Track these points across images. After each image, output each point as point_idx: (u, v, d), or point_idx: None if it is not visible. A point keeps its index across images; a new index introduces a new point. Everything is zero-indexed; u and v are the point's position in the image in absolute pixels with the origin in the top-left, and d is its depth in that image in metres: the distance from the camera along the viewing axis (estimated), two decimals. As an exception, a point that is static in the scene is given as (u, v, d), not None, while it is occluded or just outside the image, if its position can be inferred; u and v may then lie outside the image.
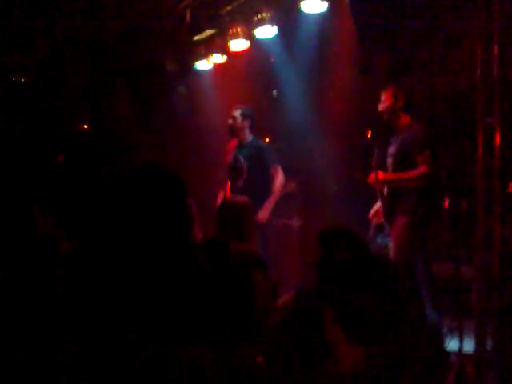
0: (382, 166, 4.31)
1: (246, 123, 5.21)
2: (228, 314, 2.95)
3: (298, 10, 4.76)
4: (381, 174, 4.20)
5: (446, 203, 5.12)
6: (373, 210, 4.48)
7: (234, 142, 5.31)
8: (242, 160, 5.19)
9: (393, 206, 4.21)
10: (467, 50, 4.03)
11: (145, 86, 7.52)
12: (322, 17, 4.97)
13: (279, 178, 5.04)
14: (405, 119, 4.24)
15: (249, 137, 5.24)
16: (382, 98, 4.28)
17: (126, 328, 1.76)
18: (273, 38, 5.40)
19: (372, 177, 4.25)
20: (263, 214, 4.92)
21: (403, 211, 4.13)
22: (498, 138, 3.43)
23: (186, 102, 7.17)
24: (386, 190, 4.30)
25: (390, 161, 4.29)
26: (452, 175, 4.64)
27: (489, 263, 3.65)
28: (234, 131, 5.24)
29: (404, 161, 4.15)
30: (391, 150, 4.28)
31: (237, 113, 5.22)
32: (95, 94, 8.08)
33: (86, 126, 8.82)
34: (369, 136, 6.70)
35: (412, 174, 4.08)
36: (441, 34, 4.39)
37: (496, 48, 3.48)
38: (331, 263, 2.52)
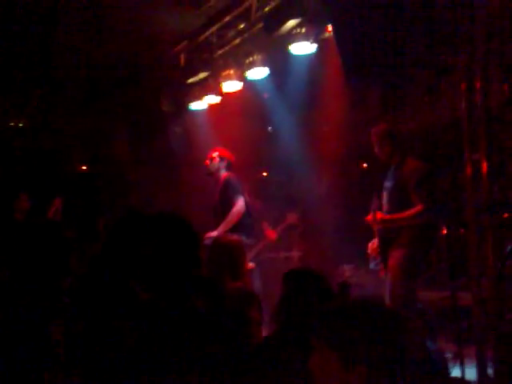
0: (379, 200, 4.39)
1: (223, 164, 5.46)
2: (224, 352, 3.01)
3: (288, 52, 4.91)
4: (379, 215, 4.25)
5: (444, 230, 5.22)
6: (370, 245, 4.54)
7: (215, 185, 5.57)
8: (218, 198, 5.39)
9: (390, 240, 4.29)
10: (453, 86, 4.17)
11: (142, 126, 7.69)
12: (313, 55, 5.12)
13: (234, 208, 5.20)
14: (404, 157, 4.31)
15: (222, 175, 5.44)
16: (375, 139, 4.35)
17: (127, 372, 1.84)
18: (265, 77, 5.57)
19: (370, 217, 4.33)
20: (211, 233, 5.07)
21: (400, 244, 4.22)
22: (484, 173, 3.54)
23: (182, 140, 7.32)
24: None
25: (385, 194, 4.36)
26: (447, 204, 4.73)
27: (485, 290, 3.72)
28: (210, 172, 5.47)
29: (400, 196, 4.23)
30: (387, 183, 4.36)
31: (214, 155, 5.44)
32: (94, 135, 8.25)
33: (84, 167, 8.97)
34: (365, 166, 6.86)
35: (409, 213, 4.14)
36: (428, 69, 4.52)
37: (479, 84, 3.60)
38: (293, 306, 2.50)
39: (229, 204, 5.26)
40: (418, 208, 4.10)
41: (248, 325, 3.14)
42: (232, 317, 3.08)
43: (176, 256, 2.04)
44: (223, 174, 5.48)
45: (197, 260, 2.12)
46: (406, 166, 4.26)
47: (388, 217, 4.26)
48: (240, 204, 5.23)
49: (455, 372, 4.05)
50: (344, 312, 1.51)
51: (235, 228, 5.11)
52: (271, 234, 6.39)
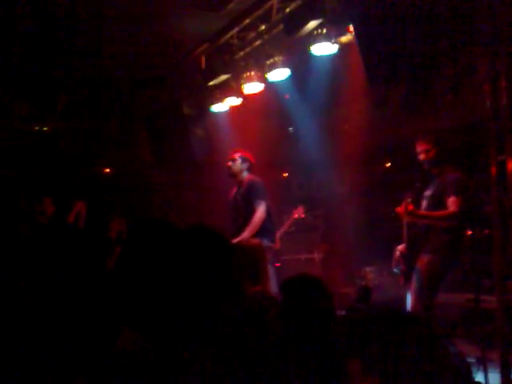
0: (417, 205, 4.38)
1: (244, 166, 5.44)
2: (245, 359, 3.00)
3: (309, 53, 4.89)
4: (411, 206, 4.26)
5: (469, 231, 5.16)
6: (400, 247, 4.52)
7: (235, 187, 5.55)
8: (239, 199, 5.38)
9: (418, 246, 4.29)
10: (477, 86, 4.11)
11: (164, 129, 7.74)
12: (334, 55, 5.09)
13: (257, 214, 5.18)
14: (446, 166, 4.35)
15: (245, 177, 5.43)
16: (422, 147, 4.38)
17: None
18: (286, 78, 5.56)
19: (401, 208, 4.32)
20: (235, 239, 5.06)
21: (429, 250, 4.22)
22: (510, 174, 3.48)
23: (204, 143, 7.34)
24: (412, 230, 4.38)
25: (424, 203, 4.40)
26: (473, 205, 4.68)
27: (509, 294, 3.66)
28: (232, 173, 5.47)
29: (438, 204, 4.26)
30: (427, 192, 4.39)
31: (236, 156, 5.45)
32: (117, 139, 8.33)
33: (107, 170, 9.06)
34: (387, 165, 6.80)
35: (441, 213, 4.19)
36: (451, 70, 4.47)
37: (504, 85, 3.54)
38: (292, 314, 2.49)
39: (252, 207, 5.24)
40: (451, 210, 4.14)
41: (268, 329, 3.14)
42: (252, 321, 3.09)
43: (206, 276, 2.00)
44: (246, 175, 5.47)
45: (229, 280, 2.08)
46: (446, 175, 4.30)
47: (419, 212, 4.27)
48: (262, 209, 5.22)
49: (478, 377, 4.00)
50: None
51: (258, 232, 5.10)
52: (279, 233, 6.36)
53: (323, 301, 2.50)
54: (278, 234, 6.11)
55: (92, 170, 8.72)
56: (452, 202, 4.15)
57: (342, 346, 2.29)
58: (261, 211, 5.20)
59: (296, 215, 6.53)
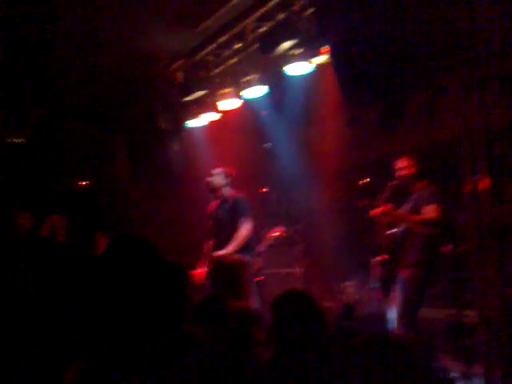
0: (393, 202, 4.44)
1: (225, 181, 5.39)
2: (228, 374, 2.97)
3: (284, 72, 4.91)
4: (388, 206, 4.30)
5: (448, 247, 5.21)
6: (373, 263, 4.54)
7: (215, 202, 5.50)
8: (222, 215, 5.34)
9: (397, 260, 4.31)
10: (451, 105, 4.17)
11: (141, 143, 7.68)
12: (310, 73, 5.11)
13: (242, 230, 5.13)
14: (420, 182, 4.41)
15: (228, 192, 5.40)
16: (398, 165, 4.44)
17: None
18: (263, 95, 5.56)
19: (378, 210, 4.34)
20: (218, 252, 5.03)
21: (408, 264, 4.24)
22: (485, 193, 3.52)
23: (181, 158, 7.30)
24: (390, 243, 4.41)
25: None
26: (450, 221, 4.73)
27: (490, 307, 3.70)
28: (212, 188, 5.41)
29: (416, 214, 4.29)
30: (407, 206, 4.42)
31: (216, 171, 5.40)
32: (95, 152, 8.25)
33: (84, 183, 8.96)
34: (364, 182, 6.83)
35: (419, 217, 4.23)
36: (427, 87, 4.53)
37: (477, 104, 3.58)
38: (282, 331, 2.46)
39: (236, 223, 5.20)
40: (429, 216, 4.18)
41: (251, 345, 3.12)
42: (235, 337, 3.06)
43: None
44: (229, 191, 5.43)
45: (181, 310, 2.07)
46: (425, 188, 4.36)
47: (397, 213, 4.34)
48: (249, 226, 5.18)
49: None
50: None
51: (241, 249, 5.05)
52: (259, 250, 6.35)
53: (315, 317, 2.49)
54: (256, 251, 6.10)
55: (69, 183, 8.62)
56: (430, 209, 4.19)
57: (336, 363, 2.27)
58: (247, 228, 5.16)
59: (274, 234, 6.52)
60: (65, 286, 2.43)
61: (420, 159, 4.46)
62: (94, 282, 2.09)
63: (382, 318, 4.93)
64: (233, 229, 5.21)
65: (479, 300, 3.84)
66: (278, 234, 6.48)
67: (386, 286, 4.39)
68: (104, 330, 1.88)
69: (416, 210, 4.33)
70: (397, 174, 4.46)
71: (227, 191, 5.41)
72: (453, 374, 4.40)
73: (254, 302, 5.24)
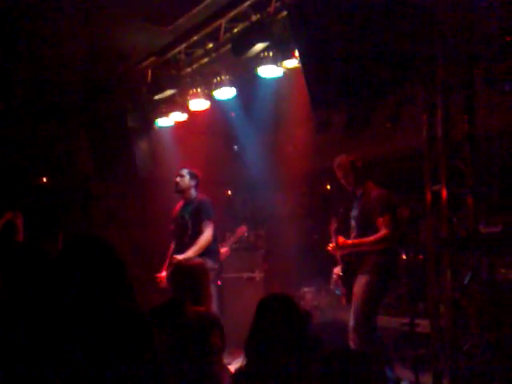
0: (346, 228, 4.43)
1: (192, 182, 5.37)
2: (185, 379, 2.94)
3: (256, 74, 4.92)
4: (341, 239, 4.30)
5: (403, 256, 5.29)
6: (336, 270, 4.56)
7: (181, 202, 5.46)
8: (187, 217, 5.30)
9: (353, 267, 4.33)
10: (415, 116, 4.24)
11: (106, 140, 7.56)
12: (280, 78, 5.14)
13: (205, 233, 5.14)
14: (367, 185, 4.41)
15: (193, 195, 5.37)
16: (341, 172, 4.44)
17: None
18: (232, 97, 5.56)
19: (332, 245, 4.36)
20: (178, 257, 4.99)
21: (364, 271, 4.26)
22: (444, 204, 3.59)
23: (147, 156, 7.22)
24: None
25: (353, 223, 4.44)
26: (407, 230, 4.81)
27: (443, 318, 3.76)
28: (180, 189, 5.38)
29: (366, 223, 4.30)
30: (354, 212, 4.43)
31: (184, 172, 5.37)
32: (56, 148, 8.07)
33: (44, 179, 8.76)
34: (328, 188, 6.91)
35: (373, 238, 4.21)
36: (393, 96, 4.60)
37: (440, 117, 3.66)
38: (262, 335, 2.46)
39: (199, 227, 5.17)
40: (383, 233, 4.18)
41: (210, 351, 3.09)
42: (193, 343, 3.03)
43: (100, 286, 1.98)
44: (195, 194, 5.39)
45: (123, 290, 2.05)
46: (369, 194, 4.35)
47: (350, 242, 4.30)
48: (210, 230, 5.17)
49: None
50: None
51: (202, 253, 5.04)
52: (224, 250, 6.34)
53: (297, 319, 2.49)
54: (223, 251, 6.08)
55: (28, 179, 8.42)
56: (381, 224, 4.19)
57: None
58: (208, 232, 5.15)
59: (239, 234, 6.52)
60: (17, 286, 2.38)
61: (360, 162, 4.42)
62: (46, 282, 2.07)
63: (339, 324, 4.97)
64: (195, 232, 5.19)
65: (432, 309, 3.90)
66: (241, 234, 6.48)
67: (349, 293, 4.40)
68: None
69: (362, 217, 4.32)
70: (342, 181, 4.47)
71: (194, 193, 5.39)
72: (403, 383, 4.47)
73: (214, 307, 5.22)
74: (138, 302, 3.05)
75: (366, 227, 4.29)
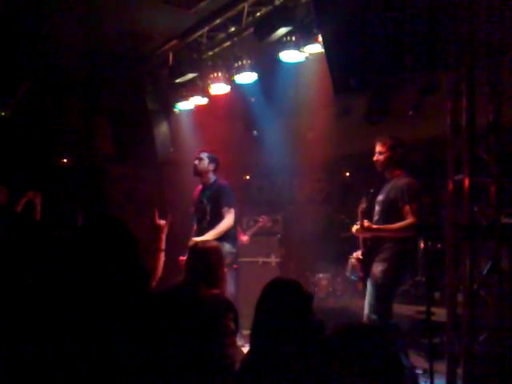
0: (370, 211, 4.42)
1: (211, 166, 5.35)
2: (197, 361, 2.97)
3: (277, 59, 4.89)
4: (366, 223, 4.28)
5: (421, 244, 5.26)
6: (355, 255, 4.55)
7: (199, 186, 5.47)
8: (205, 201, 5.30)
9: (373, 253, 4.33)
10: (438, 104, 4.19)
11: (126, 123, 7.60)
12: (302, 63, 5.11)
13: (226, 220, 5.13)
14: (398, 171, 4.38)
15: (212, 179, 5.37)
16: (378, 149, 4.40)
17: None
18: (253, 82, 5.55)
19: (357, 227, 4.34)
20: (196, 239, 4.97)
21: (381, 259, 4.25)
22: (466, 194, 3.55)
23: (167, 139, 7.25)
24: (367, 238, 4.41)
25: (377, 207, 4.41)
26: (427, 219, 4.77)
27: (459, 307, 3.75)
28: (198, 172, 5.37)
29: (390, 209, 4.27)
30: (380, 197, 4.41)
31: (203, 155, 5.35)
32: (77, 129, 8.15)
33: (65, 160, 8.85)
34: (347, 175, 6.88)
35: (399, 225, 4.19)
36: (416, 84, 4.54)
37: (465, 105, 3.61)
38: (264, 321, 2.44)
39: (219, 212, 5.17)
40: (410, 221, 4.15)
41: (223, 334, 3.11)
42: (206, 325, 3.05)
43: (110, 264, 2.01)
44: (214, 178, 5.37)
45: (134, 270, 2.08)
46: (398, 181, 4.31)
47: (376, 226, 4.30)
48: (232, 216, 5.17)
49: (425, 388, 4.09)
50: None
51: (221, 237, 5.04)
52: (242, 237, 6.37)
53: (302, 302, 2.48)
54: (244, 239, 6.12)
55: (49, 159, 8.51)
56: (408, 211, 4.17)
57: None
58: (229, 219, 5.13)
59: (261, 224, 6.55)
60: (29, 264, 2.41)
61: (401, 148, 4.40)
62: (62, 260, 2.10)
63: (354, 311, 4.98)
64: (215, 217, 5.19)
65: (450, 298, 3.88)
66: (263, 224, 6.52)
67: (366, 278, 4.40)
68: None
69: (386, 203, 4.29)
70: (374, 158, 4.44)
71: (212, 177, 5.38)
72: (416, 371, 4.48)
73: (231, 290, 5.24)
74: (149, 283, 3.09)
75: (390, 213, 4.26)
